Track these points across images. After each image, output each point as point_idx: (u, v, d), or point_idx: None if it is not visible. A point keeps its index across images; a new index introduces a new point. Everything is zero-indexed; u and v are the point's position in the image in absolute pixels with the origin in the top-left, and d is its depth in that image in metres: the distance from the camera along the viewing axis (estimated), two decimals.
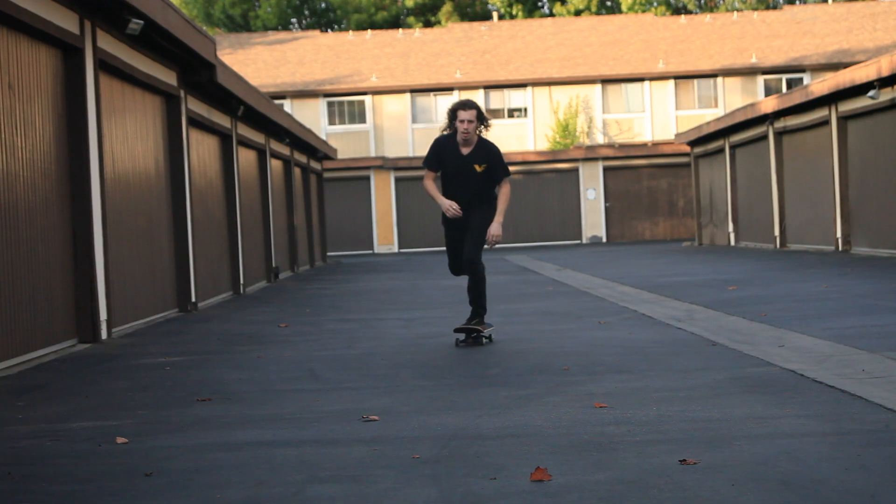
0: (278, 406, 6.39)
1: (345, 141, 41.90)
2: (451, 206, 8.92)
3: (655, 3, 58.09)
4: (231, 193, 18.42)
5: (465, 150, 9.07)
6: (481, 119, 9.05)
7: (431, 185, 9.20)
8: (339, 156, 38.92)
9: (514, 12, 59.90)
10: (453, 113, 9.01)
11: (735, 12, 50.14)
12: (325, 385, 7.21)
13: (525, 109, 43.25)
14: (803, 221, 26.11)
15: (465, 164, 9.05)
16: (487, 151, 9.10)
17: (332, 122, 42.78)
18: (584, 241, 42.19)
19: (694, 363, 7.42)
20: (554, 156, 42.05)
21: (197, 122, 16.06)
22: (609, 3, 59.84)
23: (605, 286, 15.94)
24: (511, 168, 46.98)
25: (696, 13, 58.17)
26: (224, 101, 17.46)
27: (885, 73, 19.32)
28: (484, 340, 9.15)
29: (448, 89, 42.81)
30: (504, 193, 9.11)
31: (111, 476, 4.70)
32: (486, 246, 9.05)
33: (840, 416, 5.28)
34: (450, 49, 45.74)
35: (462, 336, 9.20)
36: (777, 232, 27.47)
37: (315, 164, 31.45)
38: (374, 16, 60.51)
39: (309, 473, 4.57)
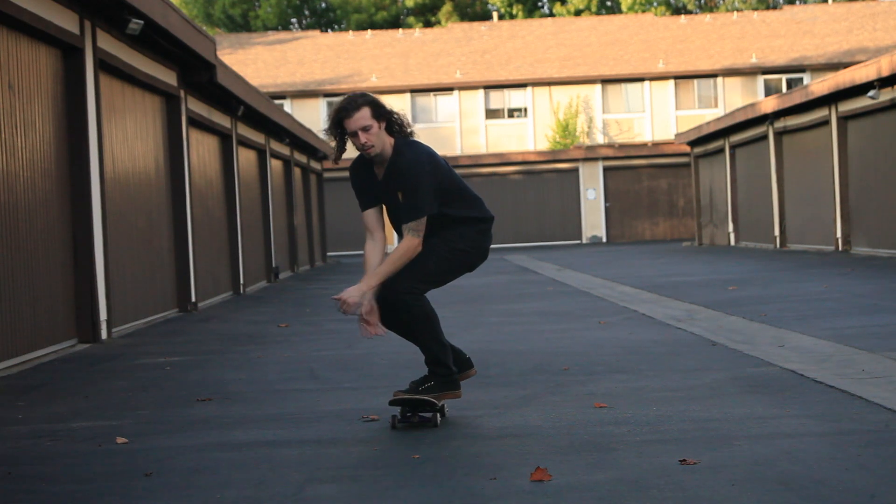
0: (278, 406, 6.39)
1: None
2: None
3: (655, 3, 58.09)
4: (231, 193, 18.42)
5: (381, 172, 5.69)
6: (382, 116, 5.59)
7: (367, 251, 5.72)
8: None
9: (514, 12, 59.91)
10: (338, 125, 5.62)
11: (735, 12, 50.16)
12: (325, 385, 7.21)
13: (525, 109, 43.25)
14: (803, 221, 26.11)
15: (384, 194, 5.67)
16: (399, 169, 5.58)
17: None
18: (584, 241, 42.18)
19: (694, 363, 7.42)
20: (554, 156, 42.04)
21: (197, 122, 16.06)
22: (609, 3, 59.85)
23: (605, 286, 15.94)
24: (511, 168, 47.47)
25: (696, 13, 58.18)
26: (224, 101, 17.45)
27: (885, 73, 19.32)
28: (438, 418, 5.56)
29: (448, 89, 42.80)
30: (398, 251, 5.48)
31: (111, 476, 4.70)
32: (341, 310, 5.46)
33: (840, 416, 5.28)
34: (450, 49, 45.74)
35: (399, 413, 5.66)
36: (777, 232, 27.47)
37: (315, 164, 31.44)
38: (374, 16, 60.51)
39: (309, 473, 4.58)
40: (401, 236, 5.64)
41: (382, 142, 5.59)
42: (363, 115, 5.54)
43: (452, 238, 5.63)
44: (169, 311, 14.08)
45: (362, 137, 5.54)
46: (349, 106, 5.57)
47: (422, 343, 5.60)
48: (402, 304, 5.47)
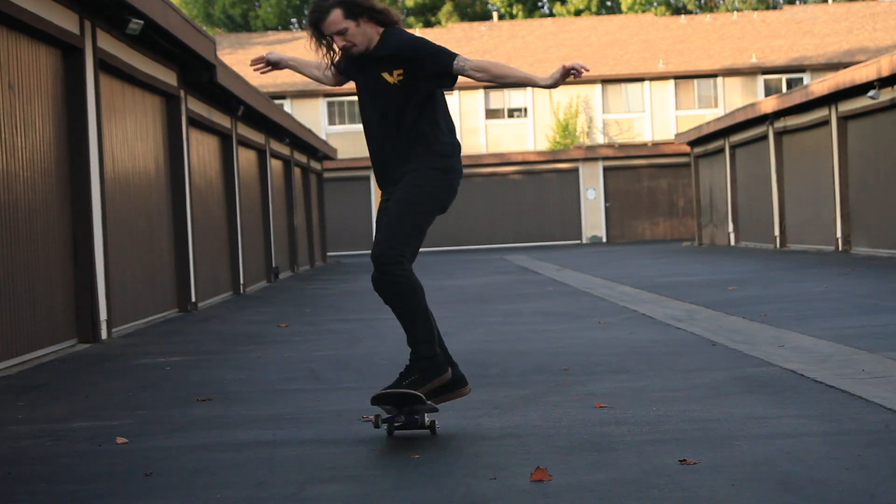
0: (278, 406, 6.38)
1: (345, 141, 41.89)
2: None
3: (655, 3, 58.09)
4: (231, 193, 18.42)
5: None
6: (359, 13, 5.08)
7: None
8: (340, 156, 38.93)
9: (514, 12, 59.91)
10: (316, 31, 5.14)
11: (735, 12, 50.16)
12: (325, 385, 7.21)
13: (525, 109, 43.24)
14: (803, 221, 26.11)
15: (371, 79, 5.18)
16: (394, 44, 5.11)
17: (332, 122, 42.79)
18: (584, 241, 42.18)
19: (694, 363, 7.42)
20: (554, 156, 42.04)
21: (197, 122, 16.06)
22: (609, 3, 59.84)
23: (605, 286, 15.94)
24: (511, 168, 47.56)
25: (696, 13, 58.18)
26: (224, 101, 17.45)
27: (885, 73, 19.32)
28: (427, 420, 5.18)
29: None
30: (497, 68, 5.11)
31: (111, 476, 4.70)
32: (574, 75, 4.96)
33: (840, 416, 5.28)
34: (449, 49, 45.71)
35: (383, 412, 5.30)
36: (777, 232, 27.47)
37: (315, 164, 31.44)
38: None
39: (309, 473, 4.57)
40: (380, 132, 5.20)
41: (365, 37, 5.12)
42: (334, 20, 5.07)
43: (418, 181, 5.10)
44: (169, 311, 14.08)
45: (339, 42, 5.10)
46: (317, 11, 5.10)
47: (406, 318, 5.13)
48: (388, 276, 5.05)
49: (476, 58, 5.31)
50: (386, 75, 5.11)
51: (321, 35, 5.16)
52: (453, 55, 5.11)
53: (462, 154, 5.35)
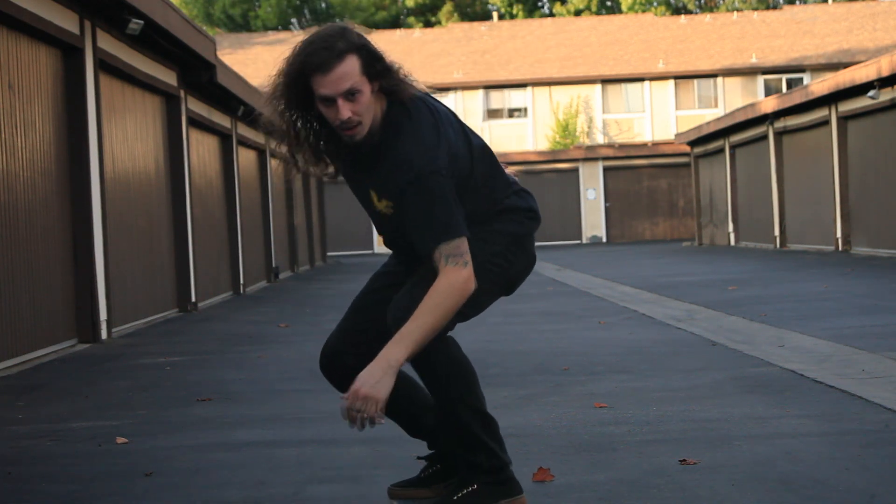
0: (278, 406, 6.38)
1: None
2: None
3: (655, 3, 58.09)
4: (231, 193, 18.42)
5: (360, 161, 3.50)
6: (378, 73, 3.29)
7: None
8: None
9: (514, 12, 59.91)
10: (298, 80, 3.26)
11: (735, 12, 50.17)
12: (325, 385, 7.18)
13: (525, 109, 43.24)
14: (803, 221, 26.11)
15: (355, 184, 3.55)
16: (390, 168, 3.35)
17: None
18: (584, 241, 42.18)
19: (694, 363, 7.42)
20: (554, 156, 42.05)
21: (197, 122, 16.06)
22: (609, 3, 59.84)
23: (605, 286, 15.94)
24: (511, 168, 46.90)
25: (696, 13, 58.18)
26: (224, 101, 17.45)
27: (885, 73, 19.32)
28: None
29: (448, 89, 42.80)
30: (436, 293, 3.35)
31: (111, 476, 4.69)
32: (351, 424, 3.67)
33: (840, 416, 5.28)
34: (450, 49, 45.73)
35: None
36: (777, 232, 27.47)
37: None
38: (374, 16, 60.51)
39: (309, 473, 4.57)
40: (397, 249, 3.62)
41: (371, 115, 3.32)
42: (349, 70, 3.21)
43: (487, 236, 3.53)
44: (169, 311, 14.07)
45: (343, 110, 3.23)
46: (325, 51, 3.18)
47: (449, 412, 3.49)
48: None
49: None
50: (374, 194, 3.45)
51: (300, 98, 3.31)
52: (445, 237, 3.31)
53: None
